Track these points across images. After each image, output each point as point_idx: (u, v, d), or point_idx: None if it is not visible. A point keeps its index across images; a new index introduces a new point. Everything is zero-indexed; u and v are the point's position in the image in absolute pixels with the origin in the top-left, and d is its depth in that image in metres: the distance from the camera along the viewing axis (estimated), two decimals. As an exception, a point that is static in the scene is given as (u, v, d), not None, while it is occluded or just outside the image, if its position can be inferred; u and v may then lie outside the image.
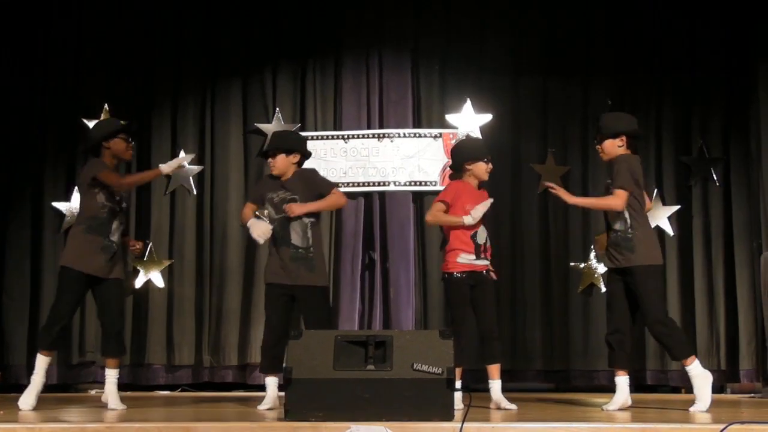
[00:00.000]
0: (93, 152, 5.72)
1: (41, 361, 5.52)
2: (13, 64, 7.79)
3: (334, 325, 7.00)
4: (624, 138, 5.41)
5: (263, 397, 5.57)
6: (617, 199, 5.30)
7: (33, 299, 7.57)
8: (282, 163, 5.68)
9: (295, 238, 5.59)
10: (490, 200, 5.67)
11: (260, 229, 5.58)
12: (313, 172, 5.90)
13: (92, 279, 5.57)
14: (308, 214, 5.60)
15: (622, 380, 5.38)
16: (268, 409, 5.42)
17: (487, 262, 5.66)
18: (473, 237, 5.61)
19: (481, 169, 5.70)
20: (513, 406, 5.47)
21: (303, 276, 5.57)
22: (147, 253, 7.62)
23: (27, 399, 5.43)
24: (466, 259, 5.61)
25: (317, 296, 5.62)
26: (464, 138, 7.23)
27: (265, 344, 5.65)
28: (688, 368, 5.26)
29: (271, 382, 5.60)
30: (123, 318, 5.90)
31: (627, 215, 5.33)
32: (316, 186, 5.69)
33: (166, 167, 5.83)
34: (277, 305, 5.62)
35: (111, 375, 5.62)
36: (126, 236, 5.88)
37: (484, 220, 5.66)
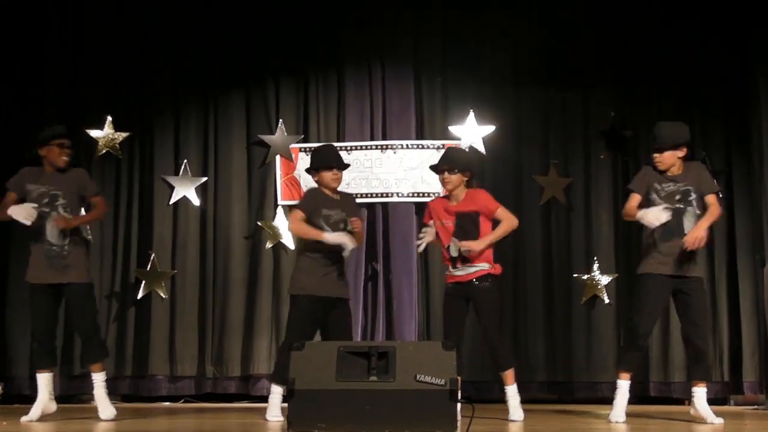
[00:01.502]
0: (33, 160, 5.62)
1: (39, 379, 5.52)
2: (12, 72, 7.79)
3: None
4: (684, 148, 5.41)
5: (266, 408, 5.57)
6: (720, 206, 5.38)
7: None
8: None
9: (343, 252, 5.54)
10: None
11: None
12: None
13: (51, 288, 5.49)
14: None
15: (628, 384, 5.38)
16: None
17: (468, 271, 5.59)
18: (447, 249, 5.65)
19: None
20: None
21: (343, 289, 5.59)
22: (150, 264, 7.64)
23: (31, 412, 5.43)
24: (450, 271, 5.69)
25: (347, 307, 5.64)
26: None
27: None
28: (700, 389, 5.24)
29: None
30: (94, 321, 5.65)
31: None
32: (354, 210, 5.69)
33: None
34: (313, 318, 5.48)
35: (98, 379, 5.55)
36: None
37: (450, 233, 5.63)
